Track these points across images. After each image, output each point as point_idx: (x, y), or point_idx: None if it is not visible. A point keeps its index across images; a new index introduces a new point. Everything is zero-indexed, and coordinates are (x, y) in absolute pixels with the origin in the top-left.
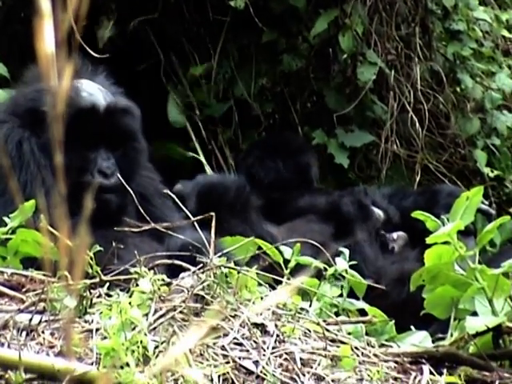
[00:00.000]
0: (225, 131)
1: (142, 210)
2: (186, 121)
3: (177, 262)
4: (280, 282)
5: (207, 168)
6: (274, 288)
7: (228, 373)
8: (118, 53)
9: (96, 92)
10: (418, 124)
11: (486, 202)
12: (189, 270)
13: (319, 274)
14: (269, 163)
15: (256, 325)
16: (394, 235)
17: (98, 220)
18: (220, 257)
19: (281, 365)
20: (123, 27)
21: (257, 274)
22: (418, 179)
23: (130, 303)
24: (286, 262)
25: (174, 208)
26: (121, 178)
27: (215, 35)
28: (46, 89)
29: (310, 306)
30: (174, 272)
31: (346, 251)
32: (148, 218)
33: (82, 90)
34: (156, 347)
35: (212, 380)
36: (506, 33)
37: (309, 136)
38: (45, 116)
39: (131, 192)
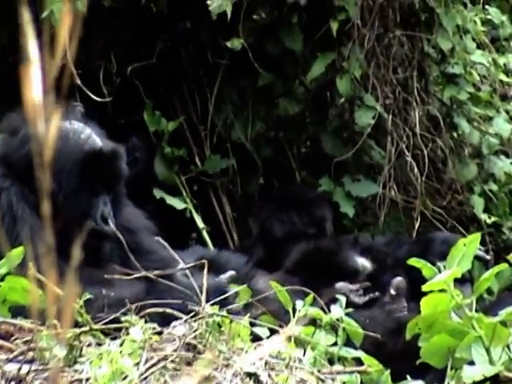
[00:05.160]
0: (222, 179)
1: (131, 256)
2: (177, 174)
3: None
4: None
5: (199, 222)
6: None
7: None
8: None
9: (93, 135)
10: (416, 169)
11: (483, 248)
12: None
13: (314, 322)
14: (283, 217)
15: (249, 374)
16: (392, 290)
17: (89, 265)
18: (212, 305)
19: None
20: (116, 75)
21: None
22: (417, 226)
23: (120, 352)
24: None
25: (161, 242)
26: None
27: (213, 79)
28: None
29: (304, 354)
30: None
31: (343, 298)
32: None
33: (80, 133)
34: None
35: None
36: (503, 77)
37: (306, 182)
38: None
39: (122, 239)
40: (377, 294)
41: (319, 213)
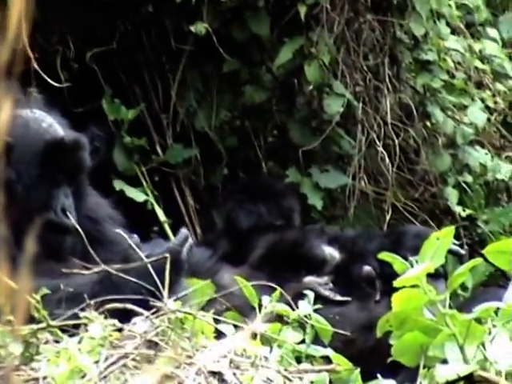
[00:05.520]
0: (184, 169)
1: (91, 251)
2: (137, 165)
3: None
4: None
5: (160, 214)
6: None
7: None
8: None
9: (55, 124)
10: (387, 160)
11: (457, 242)
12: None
13: (281, 318)
14: (250, 207)
15: (213, 373)
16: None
17: (49, 258)
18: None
19: None
20: (74, 60)
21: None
22: (388, 218)
23: (79, 350)
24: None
25: (125, 232)
26: (72, 219)
27: (176, 65)
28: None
29: (271, 352)
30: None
31: (311, 294)
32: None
33: (41, 121)
34: None
35: None
36: (479, 64)
37: (273, 173)
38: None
39: (81, 232)
40: (349, 298)
41: (286, 204)
